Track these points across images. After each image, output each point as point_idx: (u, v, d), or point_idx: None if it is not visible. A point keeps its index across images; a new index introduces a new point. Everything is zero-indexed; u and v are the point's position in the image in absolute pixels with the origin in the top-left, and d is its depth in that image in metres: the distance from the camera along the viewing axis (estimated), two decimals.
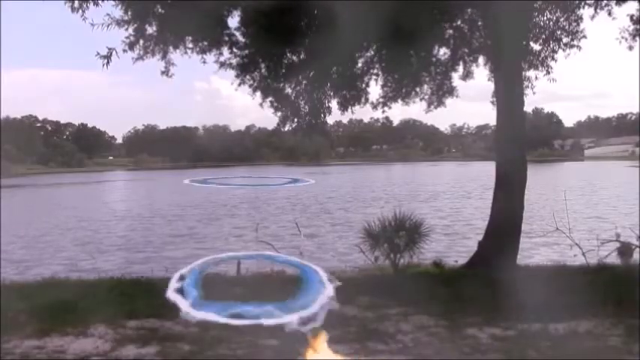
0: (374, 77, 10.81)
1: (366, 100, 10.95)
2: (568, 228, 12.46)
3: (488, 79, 10.65)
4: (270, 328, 6.10)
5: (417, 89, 11.12)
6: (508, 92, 9.70)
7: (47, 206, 36.36)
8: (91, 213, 29.96)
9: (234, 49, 9.73)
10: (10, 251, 16.87)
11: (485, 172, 35.86)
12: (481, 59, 11.00)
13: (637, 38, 10.23)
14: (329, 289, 2.93)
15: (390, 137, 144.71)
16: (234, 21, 9.58)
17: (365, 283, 8.87)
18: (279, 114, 10.59)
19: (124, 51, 8.95)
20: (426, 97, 11.23)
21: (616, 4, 9.89)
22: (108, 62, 8.81)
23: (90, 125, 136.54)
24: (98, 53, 8.74)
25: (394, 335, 5.93)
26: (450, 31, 10.59)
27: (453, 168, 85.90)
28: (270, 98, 10.40)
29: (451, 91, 11.24)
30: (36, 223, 25.32)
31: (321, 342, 2.56)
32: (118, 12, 8.80)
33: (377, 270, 10.15)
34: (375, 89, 11.05)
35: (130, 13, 8.83)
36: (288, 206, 31.31)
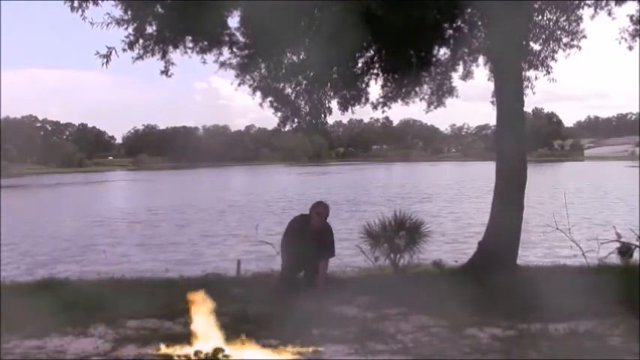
0: (374, 77, 10.80)
1: (366, 100, 10.91)
2: (568, 228, 12.46)
3: (488, 79, 10.63)
4: (270, 328, 6.11)
5: (417, 89, 11.09)
6: (508, 92, 9.69)
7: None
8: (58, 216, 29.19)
9: (234, 49, 9.70)
10: None
11: (485, 173, 35.87)
12: (481, 59, 10.98)
13: (637, 38, 10.22)
14: None
15: (390, 137, 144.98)
16: (234, 21, 9.56)
17: (365, 283, 8.88)
18: (279, 114, 10.57)
19: (124, 50, 8.93)
20: (426, 97, 11.20)
21: (616, 4, 9.88)
22: (107, 61, 8.78)
23: (90, 125, 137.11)
24: (97, 52, 8.73)
25: (394, 335, 5.93)
26: (450, 31, 10.57)
27: (452, 168, 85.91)
28: (270, 98, 10.37)
29: (451, 91, 11.22)
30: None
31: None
32: (117, 11, 8.79)
33: (377, 270, 10.14)
34: (375, 89, 11.04)
35: (129, 12, 8.82)
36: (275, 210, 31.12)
